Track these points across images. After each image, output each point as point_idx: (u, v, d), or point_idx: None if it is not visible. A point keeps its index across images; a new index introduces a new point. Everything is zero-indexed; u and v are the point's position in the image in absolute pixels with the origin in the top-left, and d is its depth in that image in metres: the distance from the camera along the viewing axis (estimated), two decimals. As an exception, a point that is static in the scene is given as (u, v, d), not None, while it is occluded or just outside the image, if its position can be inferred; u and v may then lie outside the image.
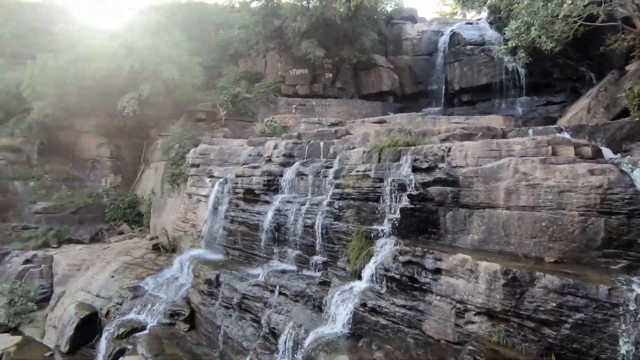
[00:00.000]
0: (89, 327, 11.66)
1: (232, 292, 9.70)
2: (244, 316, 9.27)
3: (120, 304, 11.82)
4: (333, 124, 16.23)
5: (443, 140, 9.28)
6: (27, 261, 15.28)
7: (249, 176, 12.12)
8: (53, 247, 16.74)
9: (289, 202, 10.70)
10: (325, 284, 8.42)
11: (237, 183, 12.49)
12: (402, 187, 7.90)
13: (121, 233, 18.70)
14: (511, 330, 5.43)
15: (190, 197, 15.39)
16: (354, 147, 10.66)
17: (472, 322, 5.80)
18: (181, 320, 10.38)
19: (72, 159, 21.02)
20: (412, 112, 17.32)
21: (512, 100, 18.05)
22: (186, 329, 10.23)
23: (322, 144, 11.84)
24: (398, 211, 7.63)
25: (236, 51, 24.56)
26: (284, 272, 9.63)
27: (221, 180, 13.34)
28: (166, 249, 15.20)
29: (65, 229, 17.93)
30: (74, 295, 13.47)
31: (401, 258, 6.86)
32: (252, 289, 9.35)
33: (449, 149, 7.91)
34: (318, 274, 9.17)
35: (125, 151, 21.35)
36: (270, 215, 10.87)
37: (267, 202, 11.45)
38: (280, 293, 8.90)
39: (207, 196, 14.07)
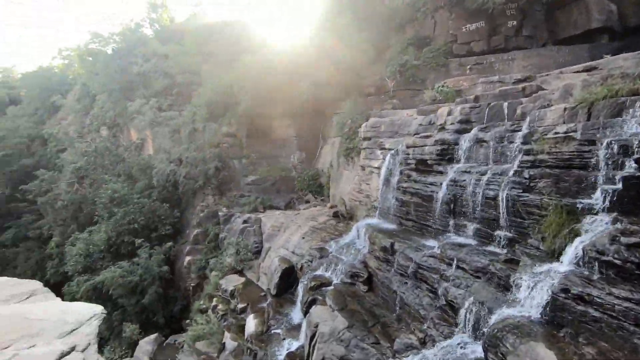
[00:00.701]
0: (289, 277, 14.26)
1: (407, 261, 9.89)
2: (419, 285, 9.35)
3: (311, 262, 13.83)
4: (519, 80, 13.73)
5: (700, 82, 6.60)
6: (245, 222, 19.82)
7: (421, 146, 11.81)
8: (260, 212, 21.07)
9: (466, 172, 9.93)
10: (512, 262, 7.58)
11: (408, 154, 12.39)
12: (624, 150, 6.15)
13: (307, 202, 21.72)
14: None
15: (364, 169, 16.25)
16: (549, 105, 8.86)
17: None
18: (360, 282, 11.33)
19: (269, 140, 25.40)
20: (640, 50, 12.84)
21: None
22: (365, 290, 11.11)
23: (505, 105, 10.30)
24: (619, 181, 5.99)
25: (402, 19, 23.74)
26: (461, 245, 9.14)
27: (392, 151, 13.49)
28: (344, 217, 16.76)
29: (267, 197, 22.43)
30: (276, 250, 16.63)
31: (624, 239, 5.44)
32: (428, 260, 9.28)
33: None
34: (503, 250, 8.32)
35: (307, 130, 24.28)
36: (444, 186, 10.38)
37: (441, 173, 10.94)
38: (457, 267, 8.51)
39: (379, 168, 14.55)
